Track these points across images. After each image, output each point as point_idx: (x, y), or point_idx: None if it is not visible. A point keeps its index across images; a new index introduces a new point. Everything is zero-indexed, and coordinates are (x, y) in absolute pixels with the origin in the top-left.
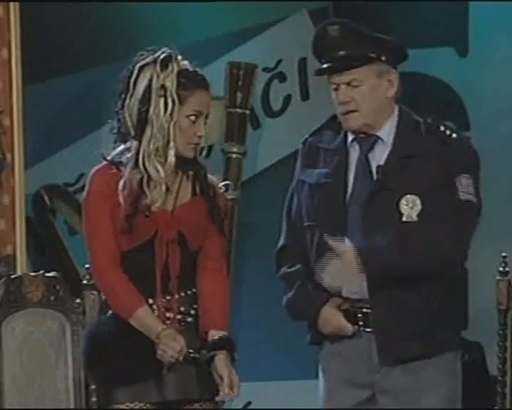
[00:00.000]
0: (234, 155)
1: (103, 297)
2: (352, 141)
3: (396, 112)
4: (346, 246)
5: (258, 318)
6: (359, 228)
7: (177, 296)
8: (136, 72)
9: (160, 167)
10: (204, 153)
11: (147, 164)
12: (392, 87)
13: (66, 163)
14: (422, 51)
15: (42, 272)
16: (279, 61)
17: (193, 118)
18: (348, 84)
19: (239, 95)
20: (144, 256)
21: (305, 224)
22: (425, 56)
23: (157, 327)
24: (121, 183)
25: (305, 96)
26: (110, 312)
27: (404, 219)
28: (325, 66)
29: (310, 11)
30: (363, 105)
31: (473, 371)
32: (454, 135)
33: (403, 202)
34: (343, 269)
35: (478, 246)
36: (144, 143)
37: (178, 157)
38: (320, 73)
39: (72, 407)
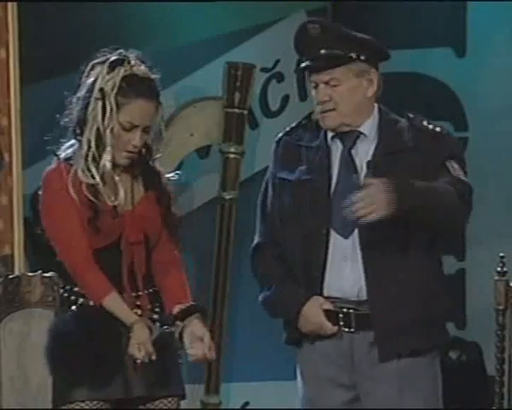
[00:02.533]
0: (232, 155)
1: (61, 292)
2: (333, 137)
3: (376, 110)
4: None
5: (256, 317)
6: (349, 222)
7: (145, 292)
8: (88, 69)
9: (95, 172)
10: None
11: (83, 166)
12: (371, 86)
13: None
14: (420, 51)
15: (40, 272)
16: (277, 62)
17: (127, 126)
18: (327, 83)
19: (237, 95)
20: (111, 256)
21: (286, 221)
22: (423, 56)
23: (129, 318)
24: (69, 182)
25: (303, 96)
26: (73, 308)
27: None
28: (304, 64)
29: (308, 11)
30: (342, 104)
31: (471, 372)
32: (437, 129)
33: None
34: (372, 198)
35: (476, 246)
36: (83, 144)
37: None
38: (299, 71)
39: None
